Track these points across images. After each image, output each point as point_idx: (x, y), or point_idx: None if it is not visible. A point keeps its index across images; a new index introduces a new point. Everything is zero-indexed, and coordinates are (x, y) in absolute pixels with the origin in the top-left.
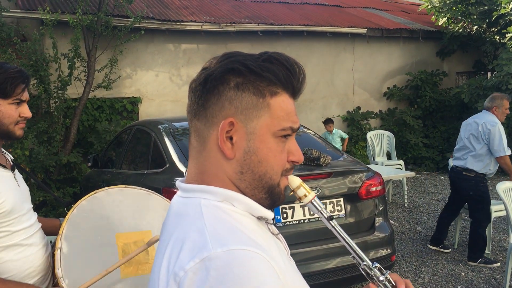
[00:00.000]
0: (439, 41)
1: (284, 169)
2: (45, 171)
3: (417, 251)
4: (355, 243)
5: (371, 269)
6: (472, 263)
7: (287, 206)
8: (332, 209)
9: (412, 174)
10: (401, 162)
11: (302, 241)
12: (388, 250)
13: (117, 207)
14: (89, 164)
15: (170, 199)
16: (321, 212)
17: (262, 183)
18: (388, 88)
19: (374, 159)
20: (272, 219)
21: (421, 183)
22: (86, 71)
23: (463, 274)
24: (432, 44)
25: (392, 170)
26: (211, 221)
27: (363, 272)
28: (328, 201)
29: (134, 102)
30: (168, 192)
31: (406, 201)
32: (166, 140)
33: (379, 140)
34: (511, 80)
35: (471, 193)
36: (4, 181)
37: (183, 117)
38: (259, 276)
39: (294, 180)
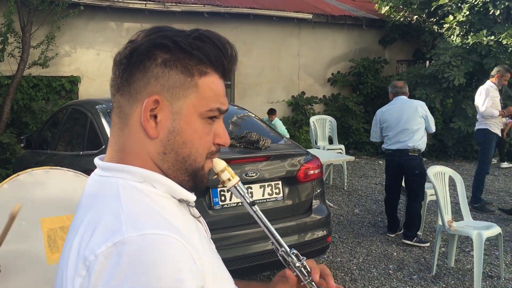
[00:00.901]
0: (382, 29)
1: (209, 151)
2: None
3: (354, 232)
4: (293, 225)
5: (288, 255)
6: (408, 242)
7: (225, 189)
8: (270, 192)
9: (351, 158)
10: (342, 146)
11: (240, 223)
12: (324, 232)
13: (41, 190)
14: (22, 145)
15: None
16: (243, 197)
17: (185, 165)
18: (332, 74)
19: (316, 144)
20: (208, 201)
21: (361, 167)
22: (21, 47)
23: (395, 254)
24: (375, 32)
25: (333, 154)
26: (128, 202)
27: (280, 258)
28: (266, 184)
29: (74, 81)
30: None
31: (346, 184)
32: (103, 120)
33: (322, 125)
34: (447, 69)
35: (417, 171)
36: None
37: None
38: (175, 262)
39: (219, 163)
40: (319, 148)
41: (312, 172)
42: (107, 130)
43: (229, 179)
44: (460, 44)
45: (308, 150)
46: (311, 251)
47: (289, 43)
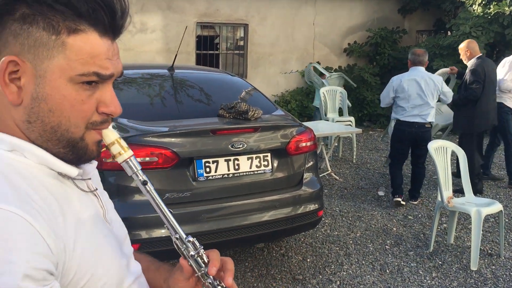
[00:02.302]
0: None
1: (90, 121)
2: None
3: (355, 206)
4: (282, 198)
5: (183, 243)
6: (415, 202)
7: (210, 160)
8: (259, 164)
9: (358, 131)
10: (352, 118)
11: (227, 195)
12: (316, 205)
13: None
14: None
15: None
16: (136, 174)
17: (56, 135)
18: (349, 44)
19: (325, 115)
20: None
21: (373, 140)
22: None
23: (394, 229)
24: (394, 1)
25: (341, 126)
26: None
27: (174, 245)
28: (254, 156)
29: None
30: None
31: (355, 157)
32: None
33: (332, 96)
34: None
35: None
36: None
37: (133, 65)
38: (8, 242)
39: (109, 135)
40: (328, 120)
41: (304, 144)
42: None
43: (120, 153)
44: (482, 14)
45: (317, 121)
46: (301, 225)
47: (304, 11)
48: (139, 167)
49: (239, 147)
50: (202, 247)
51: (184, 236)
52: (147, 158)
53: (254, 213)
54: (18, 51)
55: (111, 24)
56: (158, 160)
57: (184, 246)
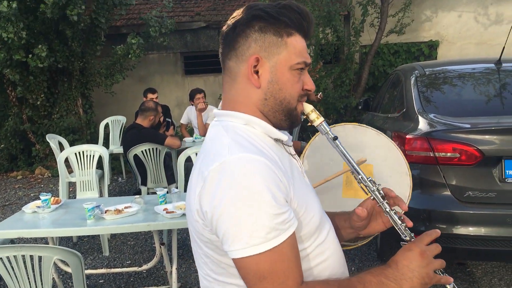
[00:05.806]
0: None
1: (299, 95)
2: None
3: None
4: None
5: (365, 181)
6: None
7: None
8: None
9: None
10: None
11: None
12: None
13: (347, 141)
14: (360, 107)
15: (398, 144)
16: (328, 133)
17: (282, 106)
18: None
19: None
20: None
21: None
22: (379, 17)
23: None
24: None
25: None
26: (232, 137)
27: (358, 184)
28: None
29: (432, 46)
30: (396, 137)
31: None
32: (410, 85)
33: None
34: None
35: None
36: None
37: (458, 61)
38: (251, 173)
39: (308, 107)
40: None
41: None
42: (409, 95)
43: (314, 120)
44: None
45: None
46: None
47: None
48: (328, 129)
49: None
50: (380, 185)
51: (366, 177)
52: (449, 154)
53: None
54: (257, 51)
55: (307, 29)
56: (461, 156)
57: (366, 183)
